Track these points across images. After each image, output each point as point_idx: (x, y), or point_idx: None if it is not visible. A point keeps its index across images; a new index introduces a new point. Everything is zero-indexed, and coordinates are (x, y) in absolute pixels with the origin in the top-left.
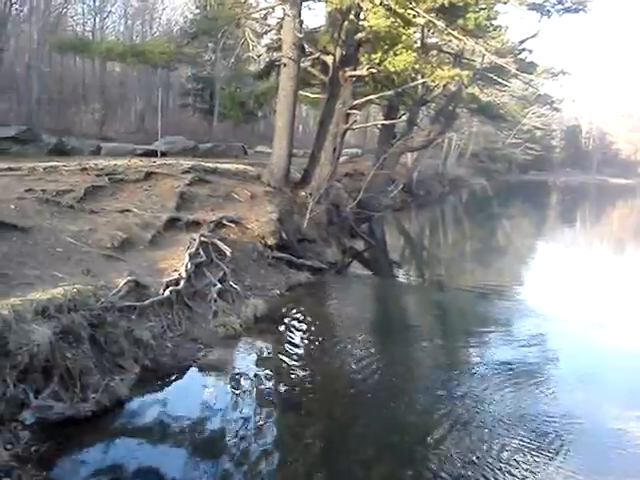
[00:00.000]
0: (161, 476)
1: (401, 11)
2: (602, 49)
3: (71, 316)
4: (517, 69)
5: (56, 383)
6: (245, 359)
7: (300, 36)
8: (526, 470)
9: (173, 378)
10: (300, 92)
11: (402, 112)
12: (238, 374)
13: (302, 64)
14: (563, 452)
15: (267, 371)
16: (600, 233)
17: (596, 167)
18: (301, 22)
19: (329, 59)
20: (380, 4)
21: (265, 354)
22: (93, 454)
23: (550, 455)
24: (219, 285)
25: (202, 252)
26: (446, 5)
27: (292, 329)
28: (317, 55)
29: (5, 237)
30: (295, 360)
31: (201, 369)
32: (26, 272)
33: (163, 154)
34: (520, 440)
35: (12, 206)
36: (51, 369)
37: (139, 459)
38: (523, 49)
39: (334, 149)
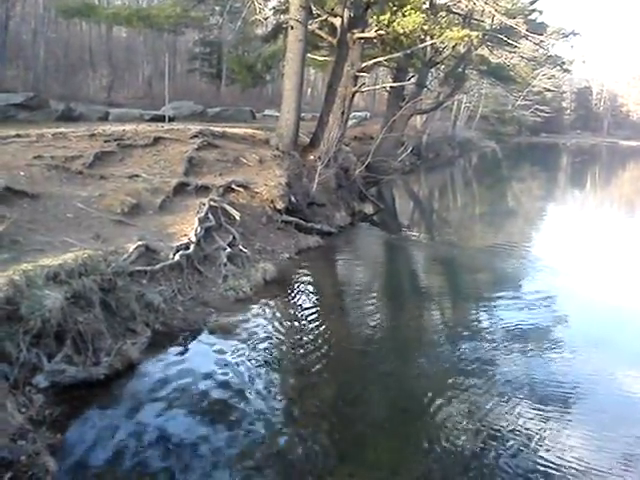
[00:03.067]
0: (172, 438)
1: None
2: (614, 9)
3: (82, 281)
4: (527, 30)
5: (69, 347)
6: (255, 322)
7: None
8: (535, 430)
9: (184, 341)
10: (308, 55)
11: (411, 74)
12: (248, 337)
13: (310, 26)
14: (572, 412)
15: (277, 334)
16: (610, 195)
17: (607, 129)
18: None
19: (337, 21)
20: None
21: (275, 317)
22: (106, 417)
23: (559, 415)
24: (229, 249)
25: (211, 216)
26: None
27: (302, 292)
28: (325, 17)
29: (15, 204)
30: (305, 323)
31: (212, 332)
32: (37, 238)
33: (171, 119)
34: (529, 401)
35: (21, 173)
36: (63, 333)
37: (151, 421)
38: (533, 10)
39: (342, 112)
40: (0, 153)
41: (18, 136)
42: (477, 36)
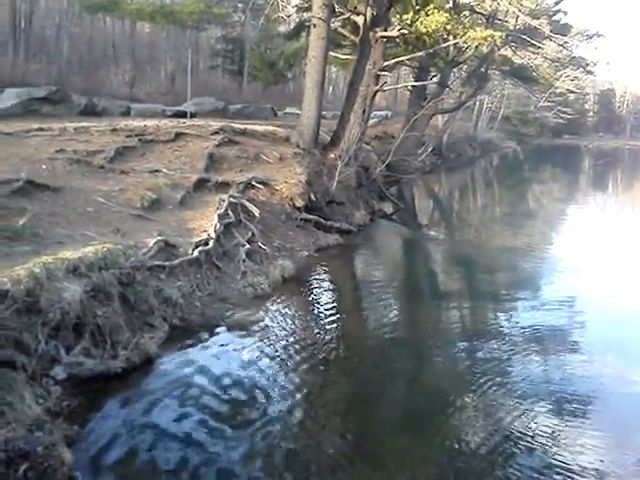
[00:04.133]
0: (188, 433)
1: None
2: (638, 10)
3: (102, 274)
4: (551, 31)
5: (87, 340)
6: (273, 319)
7: None
8: (551, 432)
9: (202, 337)
10: (330, 53)
11: (433, 74)
12: (266, 334)
13: (332, 24)
14: (588, 416)
15: (295, 331)
16: (632, 199)
17: (629, 132)
18: None
19: (360, 19)
20: None
21: (293, 314)
22: (123, 410)
23: (575, 419)
24: (247, 246)
25: (231, 213)
26: None
27: (320, 290)
28: (347, 15)
29: (37, 197)
30: (322, 321)
31: (229, 328)
32: (57, 231)
33: (192, 115)
34: (545, 404)
35: (43, 166)
36: (82, 326)
37: (168, 415)
38: (558, 10)
39: (364, 111)
40: (23, 146)
41: (41, 130)
42: (500, 36)
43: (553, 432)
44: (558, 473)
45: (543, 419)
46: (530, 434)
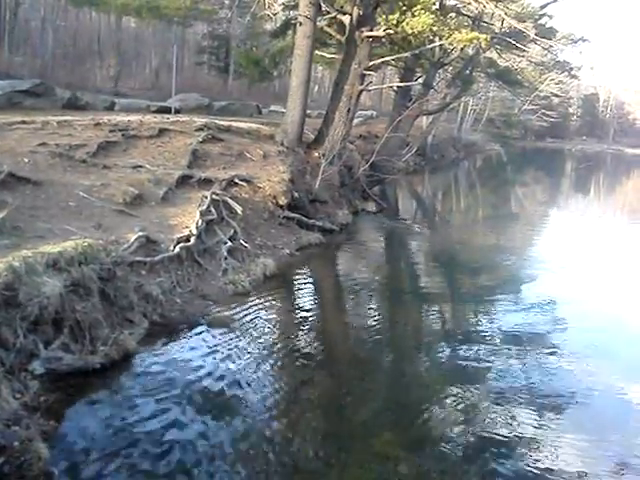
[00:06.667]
0: (165, 428)
1: None
2: (623, 17)
3: (82, 269)
4: (536, 34)
5: (66, 335)
6: (253, 317)
7: None
8: (529, 435)
9: (181, 333)
10: (316, 52)
11: (418, 75)
12: (245, 331)
13: (318, 23)
14: (567, 418)
15: (275, 329)
16: (614, 202)
17: (612, 136)
18: None
19: (346, 19)
20: None
21: (273, 312)
22: (101, 405)
23: (554, 421)
24: (229, 243)
25: (213, 210)
26: None
27: (301, 288)
28: (334, 14)
29: (18, 190)
30: (303, 319)
31: (209, 325)
32: (38, 225)
33: (177, 111)
34: (524, 405)
35: (25, 159)
36: (61, 321)
37: (145, 411)
38: (543, 14)
39: (348, 110)
40: (4, 139)
41: (23, 122)
42: (486, 39)
43: (533, 433)
44: (537, 474)
45: (522, 420)
46: (509, 435)
